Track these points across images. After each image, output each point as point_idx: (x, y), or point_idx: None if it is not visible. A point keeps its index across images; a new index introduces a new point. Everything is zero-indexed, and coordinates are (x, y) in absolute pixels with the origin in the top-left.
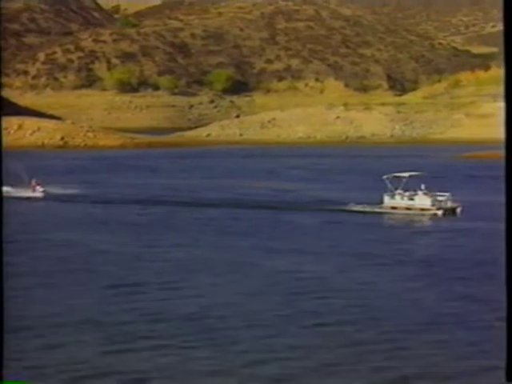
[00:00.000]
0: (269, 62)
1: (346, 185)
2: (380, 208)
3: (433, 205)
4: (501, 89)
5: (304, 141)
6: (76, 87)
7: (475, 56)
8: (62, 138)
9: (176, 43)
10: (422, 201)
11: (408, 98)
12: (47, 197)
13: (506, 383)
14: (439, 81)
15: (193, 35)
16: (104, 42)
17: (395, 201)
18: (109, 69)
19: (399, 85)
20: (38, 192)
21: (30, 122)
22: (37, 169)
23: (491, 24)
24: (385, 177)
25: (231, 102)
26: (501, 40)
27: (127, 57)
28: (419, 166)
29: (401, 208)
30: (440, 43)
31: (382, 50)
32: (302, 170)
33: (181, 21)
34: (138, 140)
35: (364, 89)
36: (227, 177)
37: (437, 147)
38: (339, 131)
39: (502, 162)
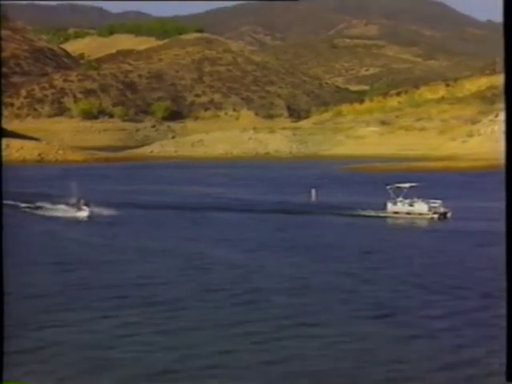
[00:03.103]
0: (197, 96)
1: (257, 189)
2: (384, 213)
3: (429, 210)
4: (372, 117)
5: (224, 156)
6: (50, 116)
7: (353, 92)
8: (39, 155)
9: (126, 82)
10: (420, 207)
11: (302, 123)
12: (92, 217)
13: (506, 383)
14: (326, 111)
15: (139, 76)
16: (71, 81)
17: (397, 207)
18: (75, 101)
19: (296, 114)
20: (84, 212)
21: (14, 143)
22: (22, 177)
23: (365, 68)
24: (388, 187)
25: (168, 126)
26: (371, 81)
27: (89, 92)
28: (312, 175)
29: (402, 213)
30: (326, 83)
31: (283, 88)
32: (222, 177)
33: (131, 65)
34: (97, 156)
35: (269, 117)
36: (165, 183)
37: (325, 161)
38: (251, 149)
39: (374, 172)
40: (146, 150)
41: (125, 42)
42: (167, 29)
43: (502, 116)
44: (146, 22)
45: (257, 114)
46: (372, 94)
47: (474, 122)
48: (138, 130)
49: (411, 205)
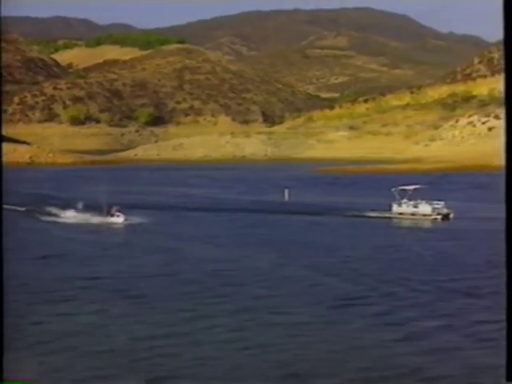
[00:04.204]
0: (178, 103)
1: (234, 189)
2: (390, 214)
3: (433, 211)
4: (341, 122)
5: (203, 159)
6: (40, 121)
7: (323, 99)
8: (31, 158)
9: (112, 90)
10: (424, 208)
11: (276, 128)
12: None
13: (506, 383)
14: (298, 117)
15: (124, 84)
16: (61, 89)
17: (402, 208)
18: (64, 108)
19: (270, 119)
20: (119, 218)
21: (8, 147)
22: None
23: (334, 77)
24: (393, 189)
25: (151, 131)
26: (341, 89)
27: (77, 99)
28: (286, 176)
29: (407, 214)
30: (299, 90)
31: (258, 95)
32: (202, 179)
33: (116, 74)
34: (84, 159)
35: (246, 122)
36: (149, 184)
37: (297, 164)
38: (228, 152)
39: (343, 174)
40: (130, 154)
41: (111, 52)
42: (150, 40)
43: (461, 121)
44: (131, 34)
45: (234, 120)
46: (341, 101)
47: (435, 127)
48: (122, 134)
49: (415, 206)
